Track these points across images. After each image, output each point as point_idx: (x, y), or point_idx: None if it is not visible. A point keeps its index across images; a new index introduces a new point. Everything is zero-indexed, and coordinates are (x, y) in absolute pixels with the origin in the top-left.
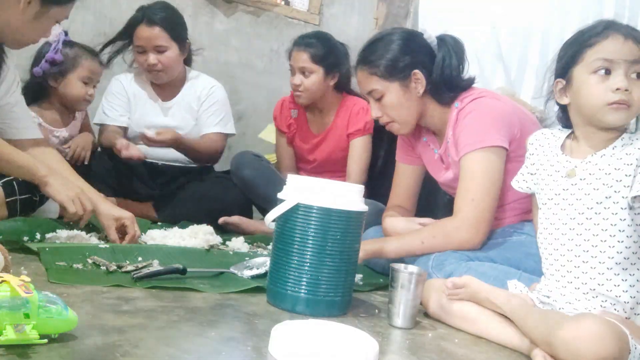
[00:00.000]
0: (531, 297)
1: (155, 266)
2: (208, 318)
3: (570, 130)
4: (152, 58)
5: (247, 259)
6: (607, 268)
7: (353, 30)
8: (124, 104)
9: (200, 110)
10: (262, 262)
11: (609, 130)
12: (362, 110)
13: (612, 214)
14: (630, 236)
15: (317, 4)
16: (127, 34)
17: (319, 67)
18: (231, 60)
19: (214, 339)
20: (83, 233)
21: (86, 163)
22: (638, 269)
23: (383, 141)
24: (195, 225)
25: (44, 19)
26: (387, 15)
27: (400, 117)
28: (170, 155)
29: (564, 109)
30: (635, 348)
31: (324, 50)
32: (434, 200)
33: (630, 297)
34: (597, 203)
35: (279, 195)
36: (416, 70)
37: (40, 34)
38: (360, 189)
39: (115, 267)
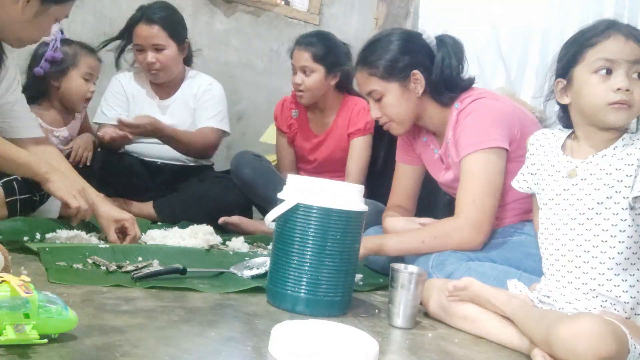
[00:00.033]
0: (530, 297)
1: (155, 266)
2: (208, 318)
3: (570, 131)
4: (151, 57)
5: (247, 259)
6: (608, 268)
7: (353, 30)
8: (122, 103)
9: (197, 105)
10: (262, 262)
11: (610, 130)
12: (362, 110)
13: (613, 214)
14: (631, 236)
15: (317, 4)
16: (126, 33)
17: (320, 66)
18: (231, 60)
19: (214, 339)
20: (83, 233)
21: (87, 164)
22: (638, 269)
23: (383, 141)
24: (195, 225)
25: (43, 18)
26: (387, 15)
27: (398, 117)
28: (169, 154)
29: (564, 108)
30: (635, 347)
31: (325, 49)
32: (434, 200)
33: (631, 297)
34: (598, 203)
35: (279, 195)
36: (415, 71)
37: (40, 33)
38: (360, 189)
39: (115, 267)
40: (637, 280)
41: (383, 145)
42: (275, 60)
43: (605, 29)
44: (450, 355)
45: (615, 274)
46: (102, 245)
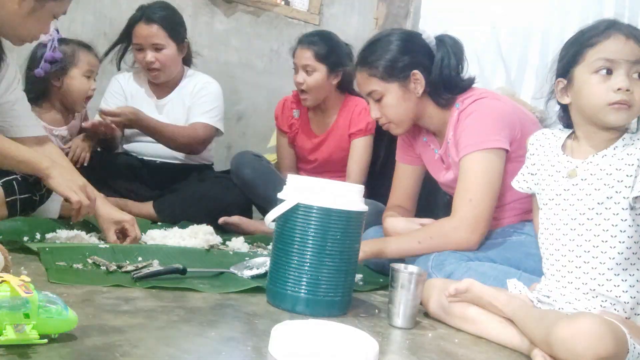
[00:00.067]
0: (530, 297)
1: (155, 266)
2: (208, 318)
3: (570, 131)
4: (150, 56)
5: (247, 259)
6: (608, 268)
7: (353, 30)
8: (121, 103)
9: (191, 103)
10: (262, 262)
11: (610, 130)
12: (364, 110)
13: (613, 214)
14: (631, 236)
15: (317, 4)
16: (126, 33)
17: (322, 65)
18: (231, 60)
19: (214, 339)
20: (83, 233)
21: (85, 164)
22: (638, 269)
23: (383, 141)
24: (195, 225)
25: (41, 14)
26: (387, 15)
27: (398, 117)
28: (168, 153)
29: (565, 108)
30: (634, 347)
31: (327, 48)
32: (434, 200)
33: (631, 297)
34: (598, 203)
35: (279, 195)
36: (415, 71)
37: (39, 30)
38: (360, 189)
39: (115, 267)
40: (637, 280)
41: (383, 145)
42: (275, 60)
43: (606, 29)
44: (450, 355)
45: (615, 274)
46: (102, 245)
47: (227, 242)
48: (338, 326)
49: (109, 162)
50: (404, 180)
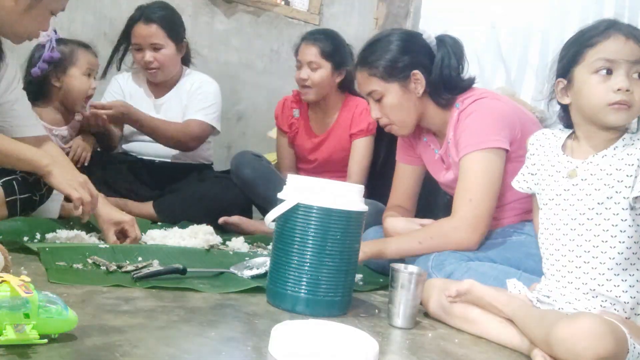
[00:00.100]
0: (529, 297)
1: (155, 266)
2: (208, 318)
3: (571, 131)
4: (149, 55)
5: (247, 259)
6: (608, 268)
7: (353, 30)
8: None
9: (188, 101)
10: (262, 262)
11: (610, 130)
12: (365, 110)
13: (613, 214)
14: (631, 236)
15: (317, 4)
16: (125, 33)
17: (327, 62)
18: (231, 60)
19: (214, 339)
20: (83, 233)
21: (86, 164)
22: (638, 269)
23: (383, 141)
24: (195, 225)
25: (38, 11)
26: (387, 15)
27: (400, 118)
28: (167, 152)
29: (565, 108)
30: (634, 347)
31: (333, 46)
32: (434, 200)
33: (631, 297)
34: (598, 203)
35: (279, 195)
36: (415, 71)
37: (37, 27)
38: (360, 189)
39: (115, 267)
40: (637, 280)
41: (383, 145)
42: (276, 60)
43: (605, 29)
44: (450, 355)
45: (615, 274)
46: (102, 245)
47: (227, 242)
48: (338, 326)
49: (108, 162)
50: (404, 180)
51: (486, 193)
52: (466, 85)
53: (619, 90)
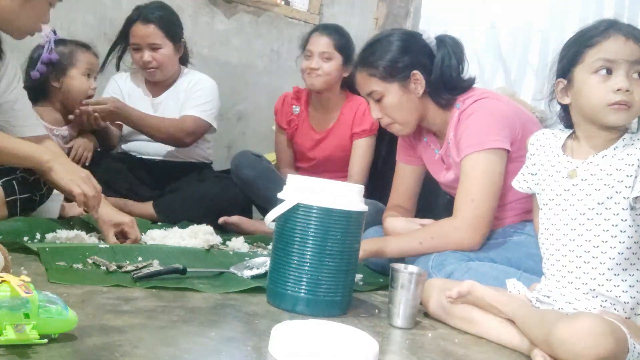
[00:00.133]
0: (528, 297)
1: (155, 266)
2: (208, 318)
3: (571, 131)
4: (147, 55)
5: (247, 259)
6: (608, 268)
7: (353, 30)
8: None
9: (185, 98)
10: (262, 262)
11: (610, 130)
12: (368, 110)
13: (613, 214)
14: (631, 237)
15: (317, 4)
16: (123, 33)
17: (339, 55)
18: (231, 60)
19: (214, 339)
20: (83, 233)
21: (87, 164)
22: (638, 269)
23: (383, 141)
24: (195, 225)
25: (35, 3)
26: (387, 15)
27: (401, 118)
28: (166, 151)
29: (565, 108)
30: (634, 347)
31: (344, 40)
32: (434, 200)
33: (631, 297)
34: (598, 203)
35: (279, 195)
36: (415, 71)
37: (36, 20)
38: (360, 189)
39: (115, 267)
40: (637, 280)
41: (383, 145)
42: (276, 60)
43: (605, 29)
44: (450, 355)
45: (615, 274)
46: (102, 245)
47: (227, 242)
48: (338, 326)
49: (108, 162)
50: (405, 180)
51: (487, 193)
52: (466, 86)
53: (618, 90)
